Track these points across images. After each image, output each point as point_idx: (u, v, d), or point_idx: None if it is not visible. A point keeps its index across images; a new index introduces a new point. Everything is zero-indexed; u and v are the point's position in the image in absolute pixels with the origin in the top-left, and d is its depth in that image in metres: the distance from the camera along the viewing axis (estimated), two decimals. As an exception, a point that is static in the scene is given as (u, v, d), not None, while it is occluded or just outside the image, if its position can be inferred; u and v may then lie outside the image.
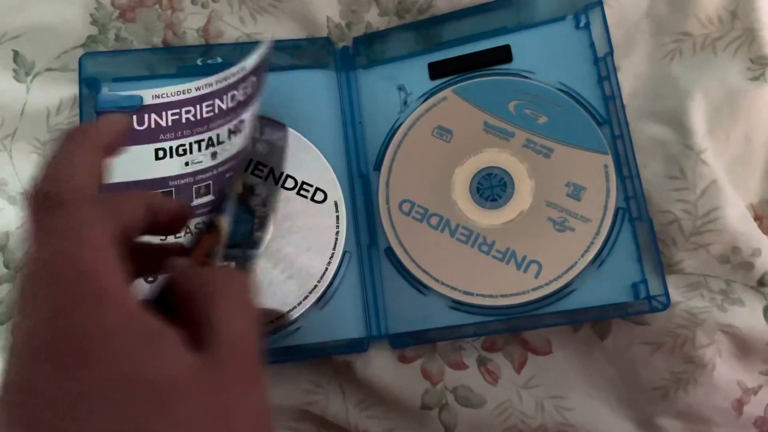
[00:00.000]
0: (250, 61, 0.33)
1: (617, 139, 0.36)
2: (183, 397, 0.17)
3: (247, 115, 0.33)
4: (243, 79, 0.34)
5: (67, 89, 0.40)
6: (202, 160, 0.35)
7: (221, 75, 0.35)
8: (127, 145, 0.27)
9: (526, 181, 0.37)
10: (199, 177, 0.35)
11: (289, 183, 0.37)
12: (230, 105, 0.34)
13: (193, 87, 0.36)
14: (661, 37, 0.39)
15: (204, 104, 0.35)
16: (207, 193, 0.34)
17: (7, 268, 0.38)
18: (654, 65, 0.39)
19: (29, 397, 0.16)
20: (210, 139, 0.35)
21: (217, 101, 0.35)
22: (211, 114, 0.35)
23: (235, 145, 0.33)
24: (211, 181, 0.34)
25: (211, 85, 0.35)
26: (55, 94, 0.40)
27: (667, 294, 0.33)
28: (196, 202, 0.34)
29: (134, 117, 0.35)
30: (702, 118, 0.36)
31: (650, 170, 0.36)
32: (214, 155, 0.34)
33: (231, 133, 0.34)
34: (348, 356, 0.37)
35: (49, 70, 0.41)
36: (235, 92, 0.34)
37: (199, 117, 0.35)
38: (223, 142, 0.34)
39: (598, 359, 0.37)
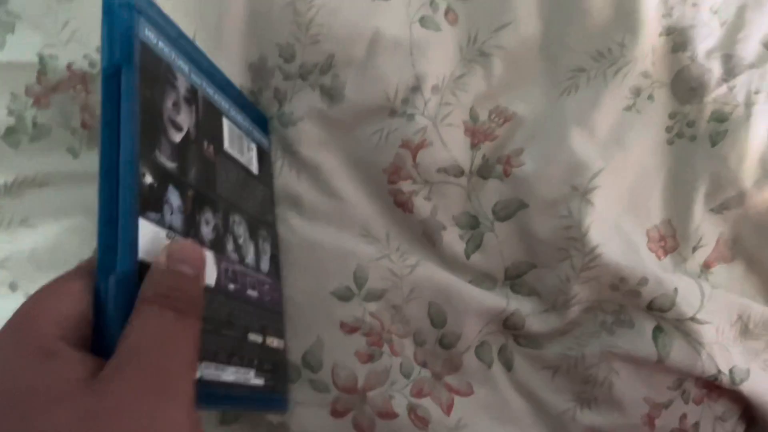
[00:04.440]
0: None
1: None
2: (56, 404, 0.20)
3: None
4: None
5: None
6: None
7: None
8: None
9: None
10: None
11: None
12: None
13: None
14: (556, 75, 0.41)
15: None
16: None
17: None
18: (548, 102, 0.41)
19: None
20: None
21: None
22: None
23: None
24: None
25: None
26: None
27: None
28: None
29: None
30: (593, 154, 0.39)
31: (540, 209, 0.39)
32: None
33: None
34: (281, 416, 0.38)
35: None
36: None
37: None
38: None
39: (509, 392, 0.40)
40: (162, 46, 0.29)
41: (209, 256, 0.30)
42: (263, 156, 0.40)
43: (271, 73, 0.41)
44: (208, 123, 0.33)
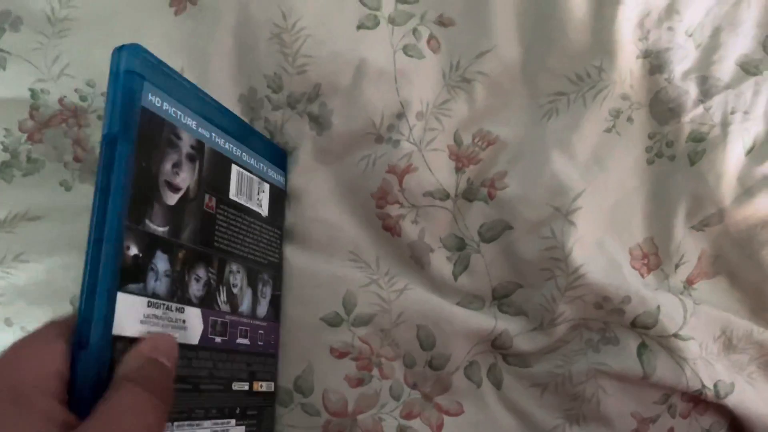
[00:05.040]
0: None
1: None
2: None
3: None
4: None
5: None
6: None
7: None
8: None
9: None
10: None
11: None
12: None
13: None
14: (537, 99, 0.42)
15: None
16: None
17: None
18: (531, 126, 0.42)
19: None
20: None
21: None
22: None
23: None
24: None
25: None
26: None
27: None
28: None
29: None
30: (574, 175, 0.40)
31: (524, 230, 0.40)
32: None
33: None
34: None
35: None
36: None
37: None
38: None
39: (499, 411, 0.40)
40: (167, 108, 0.30)
41: (195, 314, 0.30)
42: (277, 195, 0.40)
43: (261, 103, 0.42)
44: (214, 175, 0.33)
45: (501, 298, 0.42)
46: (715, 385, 0.39)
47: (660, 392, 0.40)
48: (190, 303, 0.30)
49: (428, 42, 0.42)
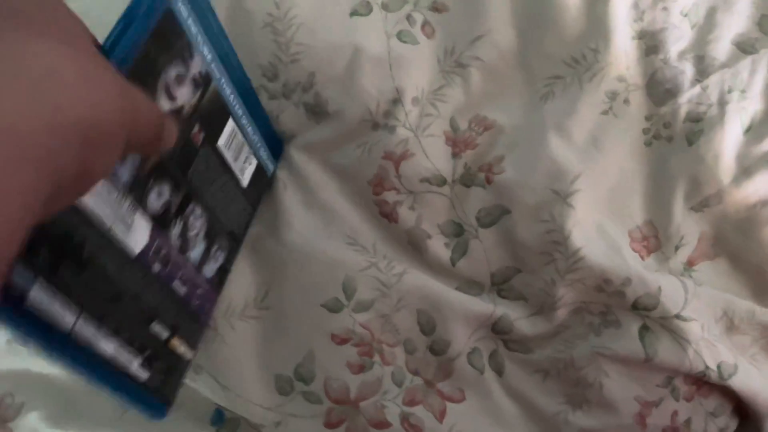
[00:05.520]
0: None
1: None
2: None
3: None
4: None
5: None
6: None
7: None
8: None
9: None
10: None
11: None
12: None
13: None
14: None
15: None
16: None
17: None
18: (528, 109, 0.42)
19: None
20: None
21: None
22: None
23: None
24: None
25: None
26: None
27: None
28: None
29: None
30: (572, 158, 0.40)
31: (523, 214, 0.40)
32: None
33: None
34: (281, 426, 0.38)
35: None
36: None
37: None
38: None
39: (501, 398, 0.40)
40: (191, 25, 0.29)
41: (145, 224, 0.28)
42: (261, 176, 0.40)
43: (257, 92, 0.42)
44: (210, 113, 0.32)
45: (500, 284, 0.41)
46: (719, 366, 0.39)
47: (663, 375, 0.40)
48: (144, 211, 0.28)
49: (422, 28, 0.42)
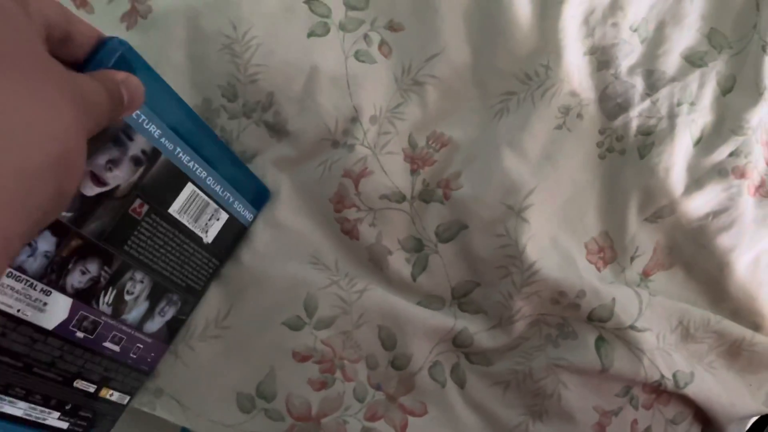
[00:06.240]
0: None
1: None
2: None
3: None
4: None
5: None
6: None
7: None
8: None
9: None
10: None
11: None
12: None
13: None
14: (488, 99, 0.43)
15: None
16: None
17: None
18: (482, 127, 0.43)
19: None
20: None
21: None
22: None
23: None
24: None
25: None
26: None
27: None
28: None
29: None
30: (526, 173, 0.40)
31: (479, 229, 0.41)
32: None
33: None
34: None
35: None
36: None
37: None
38: None
39: (463, 410, 0.41)
40: None
41: (64, 302, 0.31)
42: (233, 228, 0.40)
43: (217, 113, 0.43)
44: (159, 185, 0.34)
45: (460, 297, 0.42)
46: (674, 375, 0.39)
47: (620, 385, 0.40)
48: (62, 290, 0.31)
49: (380, 47, 0.43)
